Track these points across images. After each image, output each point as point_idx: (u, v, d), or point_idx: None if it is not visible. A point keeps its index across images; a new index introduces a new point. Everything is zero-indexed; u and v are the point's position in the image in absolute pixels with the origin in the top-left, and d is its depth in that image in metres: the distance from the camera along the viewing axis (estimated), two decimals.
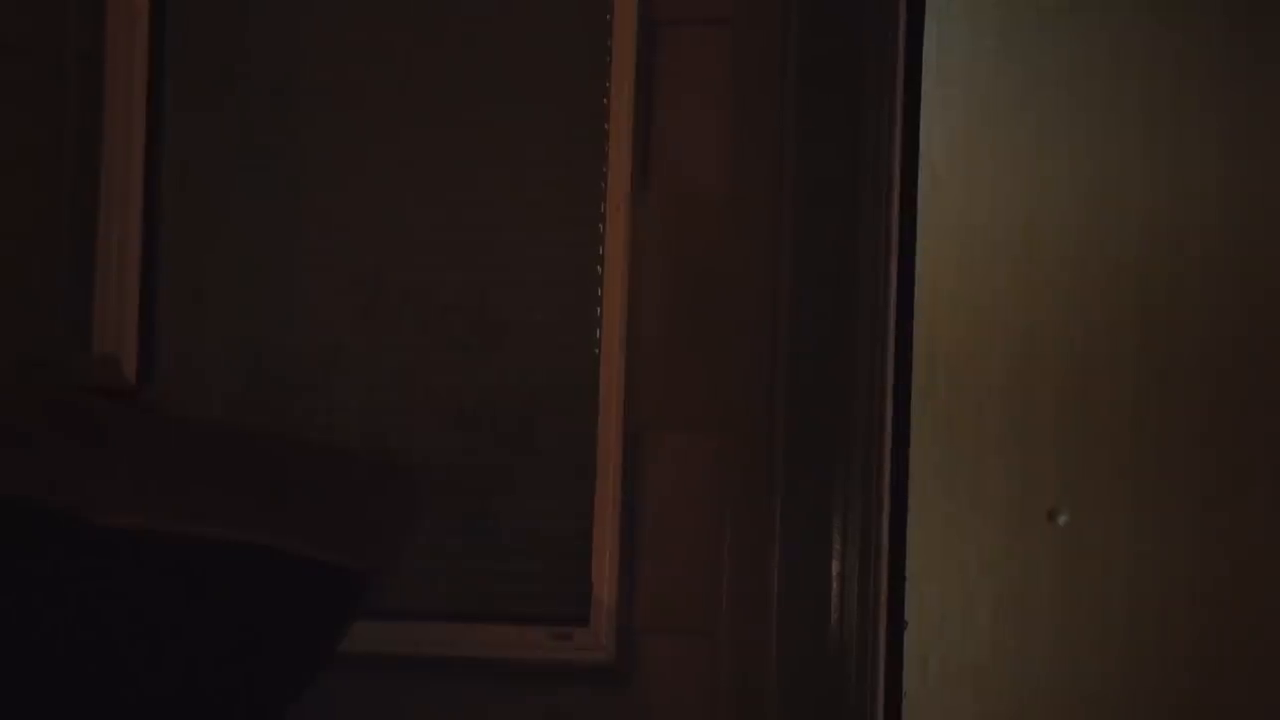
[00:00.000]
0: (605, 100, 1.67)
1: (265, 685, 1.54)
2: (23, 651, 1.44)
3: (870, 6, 1.73)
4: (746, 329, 1.67)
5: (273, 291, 1.83)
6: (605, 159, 1.67)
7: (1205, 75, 2.00)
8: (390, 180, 1.80)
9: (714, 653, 1.60)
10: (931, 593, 1.74)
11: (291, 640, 1.54)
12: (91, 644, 1.45)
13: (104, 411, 1.56)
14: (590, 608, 1.64)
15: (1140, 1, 2.01)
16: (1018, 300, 1.96)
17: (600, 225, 1.68)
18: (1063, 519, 1.81)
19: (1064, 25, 2.04)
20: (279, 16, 1.87)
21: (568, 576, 1.68)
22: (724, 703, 1.59)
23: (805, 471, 1.68)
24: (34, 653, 1.44)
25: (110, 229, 1.85)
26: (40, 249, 1.92)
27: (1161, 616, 1.84)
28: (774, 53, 1.66)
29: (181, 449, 1.57)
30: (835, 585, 1.65)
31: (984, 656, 1.77)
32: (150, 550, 1.46)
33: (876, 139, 1.74)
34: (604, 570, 1.65)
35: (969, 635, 1.77)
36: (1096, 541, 1.85)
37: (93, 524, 1.42)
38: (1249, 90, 2.00)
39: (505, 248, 1.75)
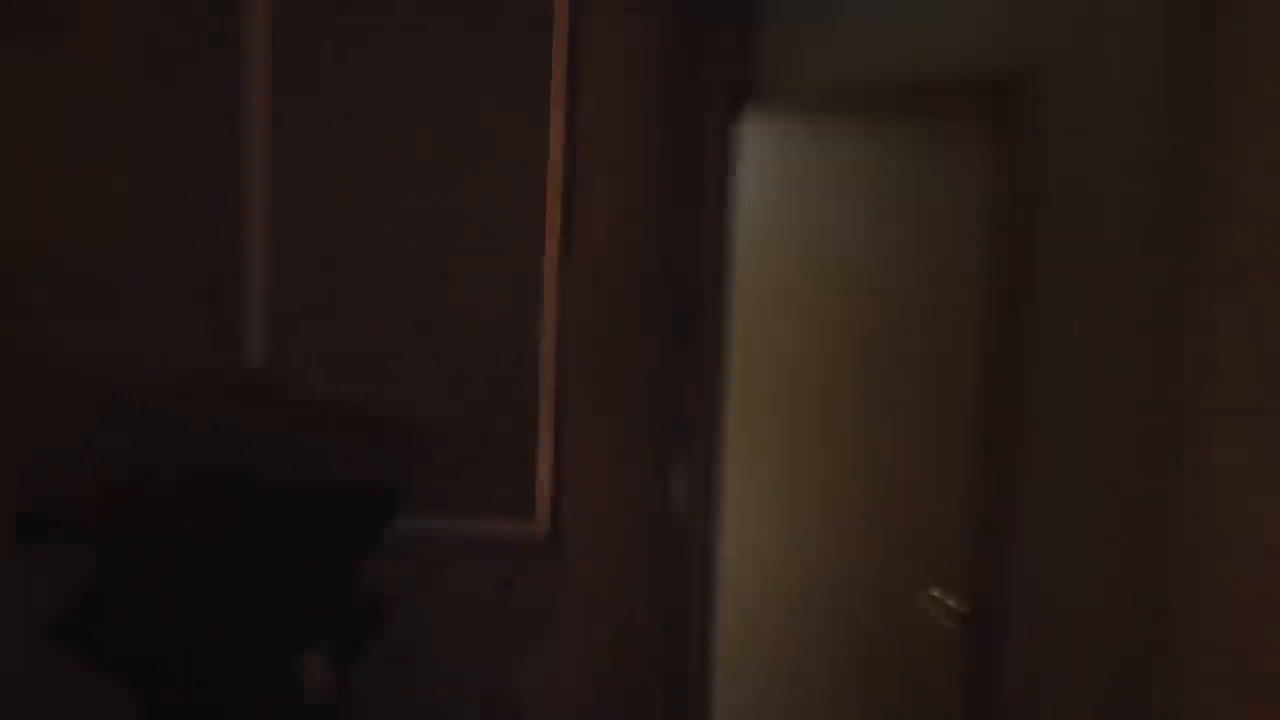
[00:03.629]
0: (545, 158, 2.54)
1: (355, 560, 2.43)
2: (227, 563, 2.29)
3: (709, 134, 2.71)
4: (629, 334, 2.63)
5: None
6: (543, 213, 2.56)
7: (906, 177, 3.12)
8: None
9: (611, 530, 2.57)
10: (734, 502, 2.81)
11: (357, 544, 2.43)
12: (250, 549, 2.32)
13: (238, 388, 2.42)
14: (536, 502, 2.57)
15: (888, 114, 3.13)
16: (789, 323, 3.05)
17: (542, 239, 2.56)
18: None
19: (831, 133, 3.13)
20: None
21: (524, 487, 2.59)
22: (615, 559, 2.56)
23: (664, 426, 2.66)
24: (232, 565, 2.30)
25: (253, 267, 2.56)
26: (210, 285, 2.59)
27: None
28: (655, 139, 2.60)
29: (281, 410, 2.44)
30: (682, 492, 2.66)
31: (765, 534, 2.87)
32: (283, 492, 2.32)
33: (713, 207, 2.73)
34: (543, 485, 2.56)
35: (756, 524, 2.87)
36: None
37: (235, 467, 2.29)
38: (930, 191, 3.14)
39: (477, 263, 2.61)
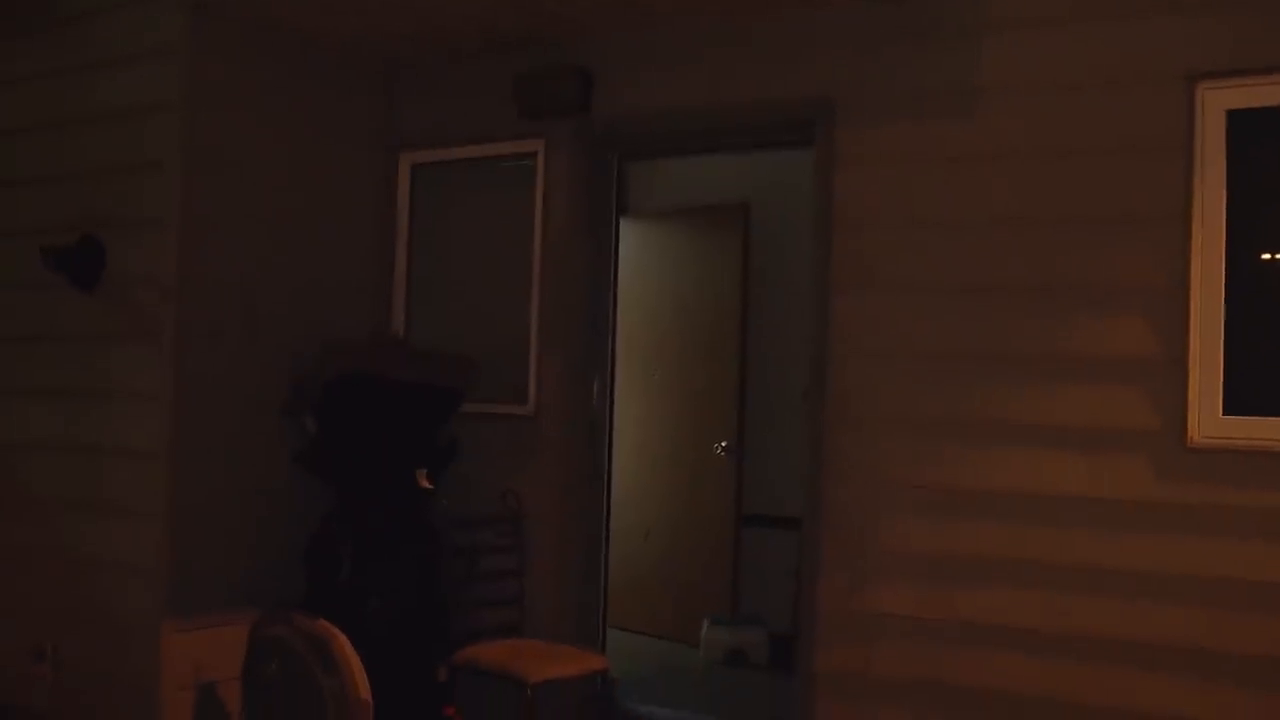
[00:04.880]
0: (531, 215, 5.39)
1: (441, 423, 5.22)
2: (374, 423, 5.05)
3: (608, 225, 5.58)
4: (573, 314, 5.44)
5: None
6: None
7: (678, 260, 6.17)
8: None
9: (563, 411, 5.37)
10: (620, 398, 5.73)
11: (443, 416, 5.21)
12: (394, 418, 5.08)
13: (393, 343, 5.29)
14: (528, 397, 5.40)
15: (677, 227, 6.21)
16: (645, 323, 6.03)
17: (532, 269, 5.40)
18: (721, 446, 5.93)
19: (665, 231, 6.16)
20: None
21: (523, 390, 5.40)
22: (565, 426, 5.34)
23: (586, 362, 5.47)
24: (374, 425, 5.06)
25: (397, 293, 5.46)
26: (379, 300, 5.42)
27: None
28: (583, 210, 5.45)
29: (410, 353, 5.28)
30: (598, 399, 5.50)
31: (632, 415, 5.83)
32: (409, 388, 5.09)
33: (608, 252, 5.59)
34: (532, 392, 5.38)
35: (628, 409, 5.83)
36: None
37: (389, 378, 5.06)
38: (709, 257, 6.21)
39: (501, 291, 5.46)
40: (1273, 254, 3.97)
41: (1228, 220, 3.91)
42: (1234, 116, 3.90)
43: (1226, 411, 3.88)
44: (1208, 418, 3.89)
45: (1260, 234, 3.94)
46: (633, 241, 6.48)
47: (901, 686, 4.39)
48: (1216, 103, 3.92)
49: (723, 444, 6.41)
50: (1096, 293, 4.11)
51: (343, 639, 4.22)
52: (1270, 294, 3.94)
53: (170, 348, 4.77)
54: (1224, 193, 3.91)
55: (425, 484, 5.16)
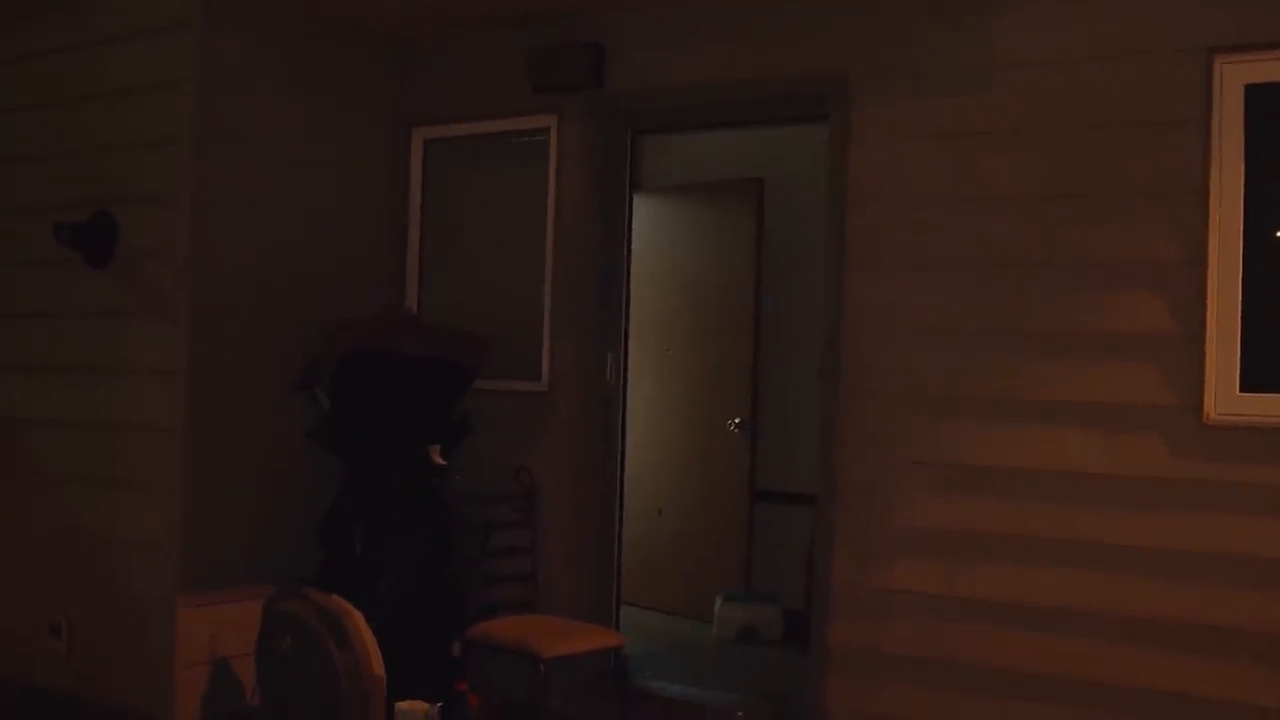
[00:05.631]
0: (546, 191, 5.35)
1: (454, 399, 5.21)
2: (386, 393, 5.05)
3: (621, 201, 5.56)
4: (586, 290, 5.43)
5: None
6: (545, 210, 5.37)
7: (687, 228, 6.15)
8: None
9: (577, 388, 5.37)
10: (633, 375, 5.71)
11: (456, 391, 5.21)
12: (407, 393, 5.08)
13: (406, 319, 5.27)
14: (541, 374, 5.39)
15: (685, 204, 6.17)
16: (658, 299, 6.00)
17: (545, 245, 5.38)
18: (734, 424, 5.91)
19: (676, 204, 6.11)
20: None
21: (536, 367, 5.39)
22: (578, 402, 5.34)
23: (599, 340, 5.48)
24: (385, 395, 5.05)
25: (410, 269, 5.44)
26: (392, 277, 5.41)
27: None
28: (596, 185, 5.43)
29: (423, 328, 5.26)
30: (611, 376, 5.49)
31: (645, 393, 5.81)
32: (421, 364, 5.09)
33: (621, 228, 5.59)
34: (545, 368, 5.37)
35: (641, 387, 5.81)
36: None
37: (401, 353, 5.05)
38: (722, 232, 6.17)
39: (514, 269, 5.44)
40: None
41: (1246, 196, 3.88)
42: (1253, 91, 3.87)
43: (1243, 388, 3.85)
44: (1224, 394, 3.87)
45: (1278, 210, 3.90)
46: (646, 217, 6.48)
47: (914, 663, 4.38)
48: (1235, 77, 3.88)
49: (736, 420, 6.42)
50: (1113, 269, 4.09)
51: (356, 614, 4.22)
52: None
53: (183, 324, 4.77)
54: (1242, 168, 3.88)
55: (438, 460, 5.16)
